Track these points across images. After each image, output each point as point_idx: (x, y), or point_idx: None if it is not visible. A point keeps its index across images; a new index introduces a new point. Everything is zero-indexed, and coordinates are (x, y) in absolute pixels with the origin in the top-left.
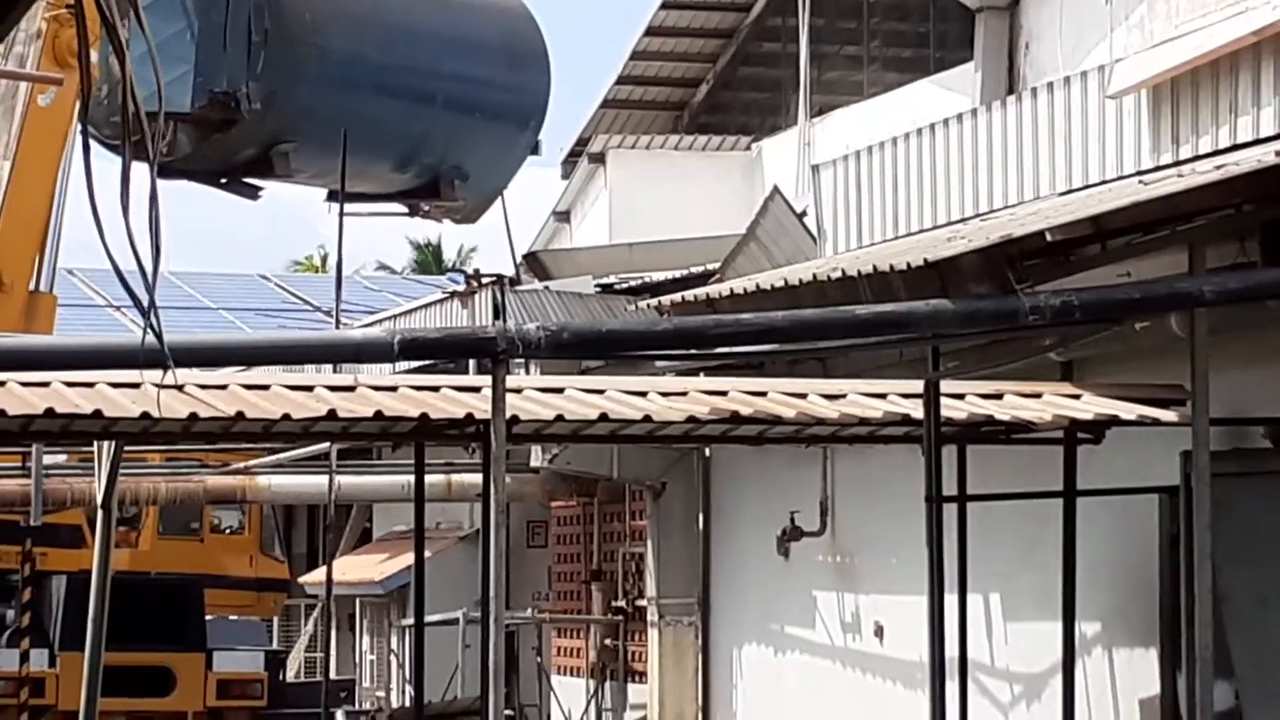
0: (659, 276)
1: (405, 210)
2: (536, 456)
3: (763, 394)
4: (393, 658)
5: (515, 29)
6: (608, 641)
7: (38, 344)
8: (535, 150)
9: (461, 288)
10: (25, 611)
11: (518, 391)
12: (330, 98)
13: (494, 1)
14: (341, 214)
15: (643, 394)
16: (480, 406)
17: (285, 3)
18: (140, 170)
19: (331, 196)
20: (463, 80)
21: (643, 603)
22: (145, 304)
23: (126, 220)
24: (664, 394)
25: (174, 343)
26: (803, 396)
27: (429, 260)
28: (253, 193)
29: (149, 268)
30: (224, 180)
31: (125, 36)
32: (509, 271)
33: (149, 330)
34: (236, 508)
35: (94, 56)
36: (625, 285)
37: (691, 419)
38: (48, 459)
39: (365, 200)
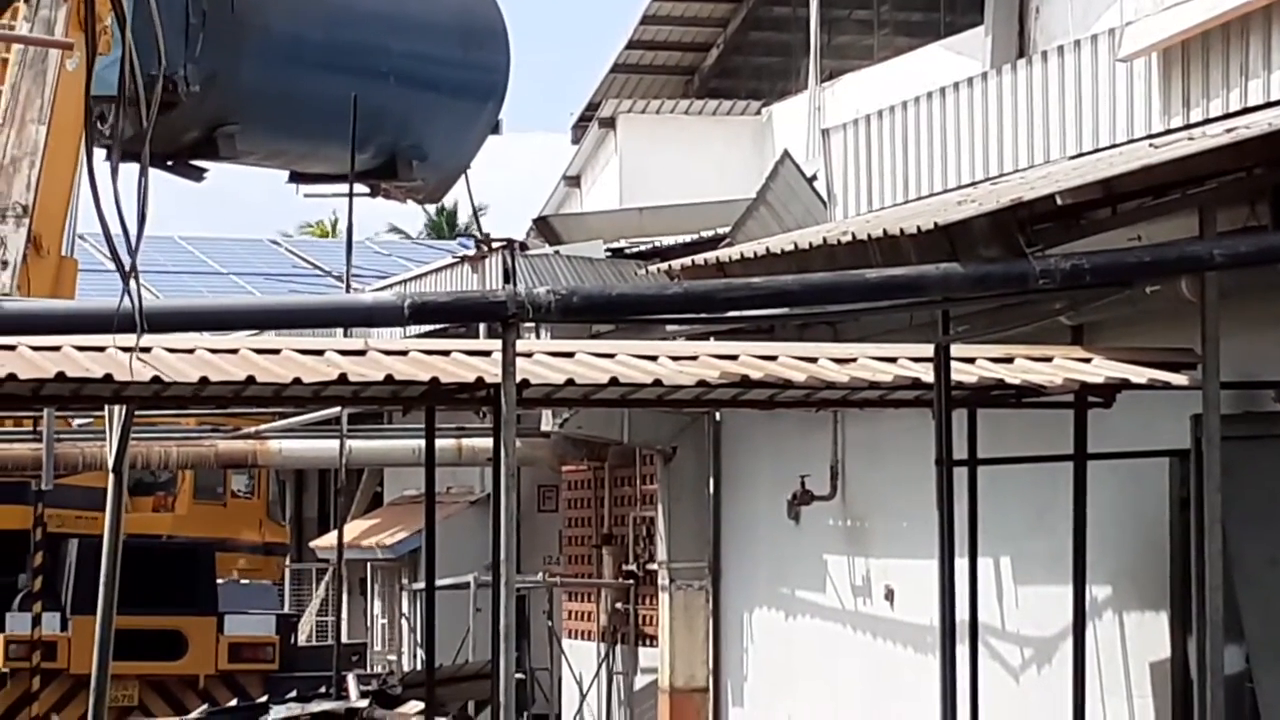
0: (669, 241)
1: (366, 191)
2: (547, 420)
3: (773, 358)
4: (404, 621)
5: (471, 7)
6: (618, 605)
7: (11, 310)
8: (496, 129)
9: (472, 252)
10: (37, 576)
11: (528, 355)
12: (274, 78)
13: None
14: (351, 180)
15: (653, 358)
16: (490, 370)
17: None
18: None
19: (293, 179)
20: (415, 59)
21: (653, 566)
22: (127, 268)
23: (115, 185)
24: (674, 358)
25: (182, 307)
26: (813, 361)
27: (441, 224)
28: (198, 175)
29: (132, 233)
30: (169, 163)
31: (128, 8)
32: (519, 236)
33: (127, 295)
34: (245, 472)
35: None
36: (635, 250)
37: (702, 383)
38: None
39: (326, 181)
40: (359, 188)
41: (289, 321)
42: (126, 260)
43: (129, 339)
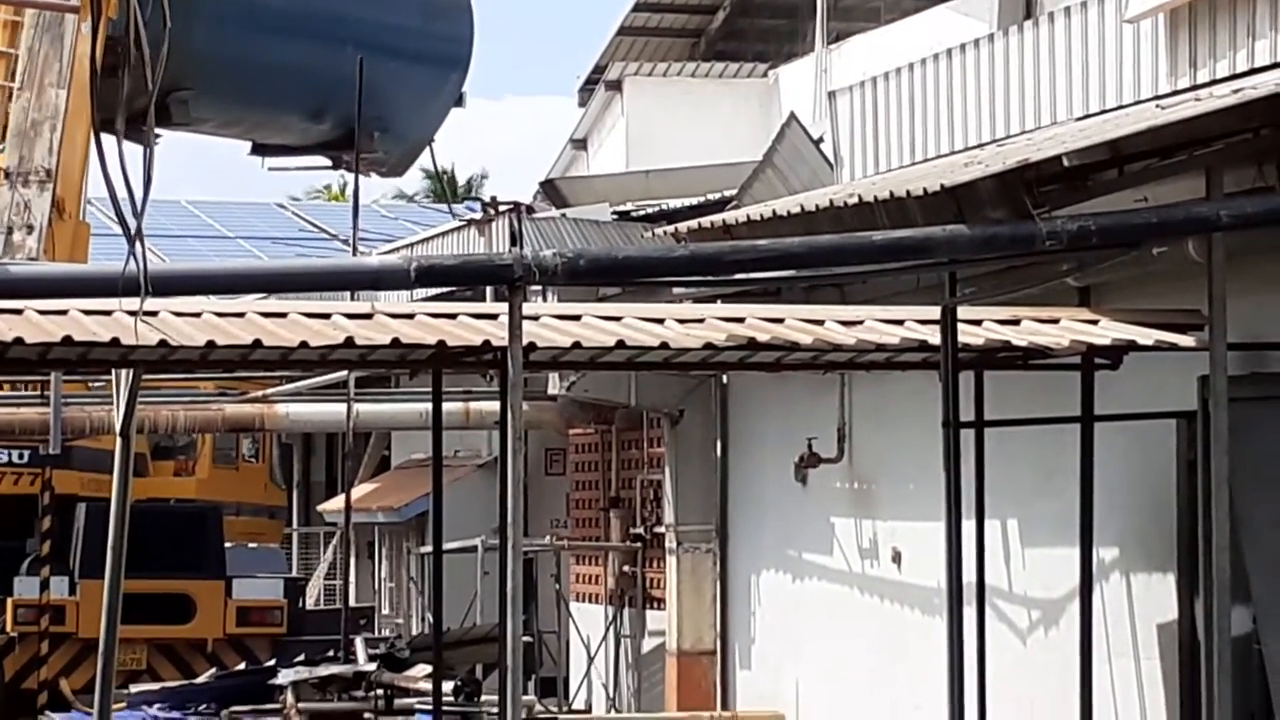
0: (676, 204)
1: (328, 163)
2: (554, 384)
3: (780, 320)
4: (411, 585)
5: None
6: (626, 568)
7: (16, 273)
8: (460, 102)
9: (478, 215)
10: (45, 539)
11: (535, 319)
12: (229, 44)
13: None
14: (358, 147)
15: (660, 321)
16: (497, 334)
17: None
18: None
19: (256, 150)
20: (376, 27)
21: (661, 530)
22: (132, 232)
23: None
24: (681, 321)
25: (189, 271)
26: (820, 323)
27: (444, 189)
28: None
29: (138, 198)
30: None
31: None
32: (526, 199)
33: (133, 259)
34: (250, 436)
35: None
36: (642, 213)
37: (709, 346)
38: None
39: (288, 154)
40: (320, 160)
41: (295, 285)
42: (132, 224)
43: (135, 303)
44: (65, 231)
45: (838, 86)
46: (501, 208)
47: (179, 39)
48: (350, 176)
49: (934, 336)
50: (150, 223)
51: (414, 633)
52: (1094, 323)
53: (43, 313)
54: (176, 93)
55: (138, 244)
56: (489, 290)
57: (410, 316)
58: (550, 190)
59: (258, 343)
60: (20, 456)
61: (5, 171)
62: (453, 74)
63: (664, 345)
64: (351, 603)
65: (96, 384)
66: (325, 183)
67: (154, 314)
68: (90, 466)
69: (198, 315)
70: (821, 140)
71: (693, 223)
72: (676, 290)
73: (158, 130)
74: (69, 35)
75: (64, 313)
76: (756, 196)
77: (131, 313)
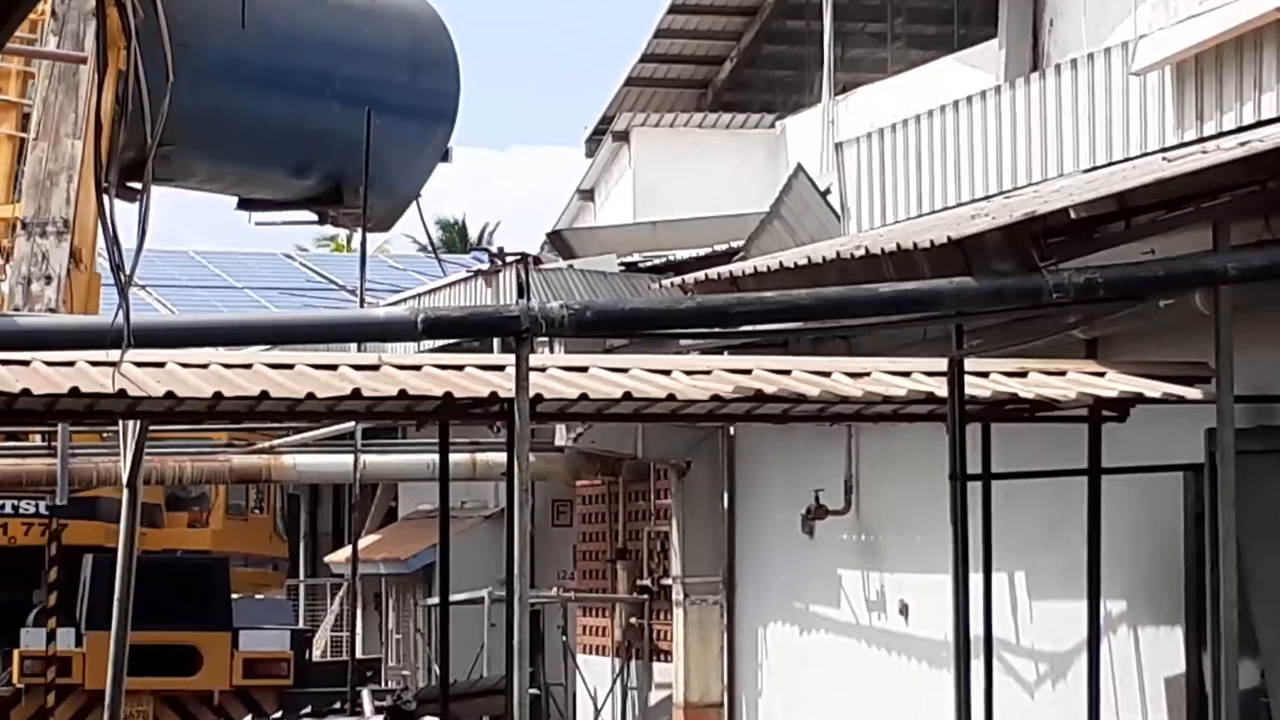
0: (683, 255)
1: (314, 218)
2: (561, 435)
3: (787, 372)
4: (418, 637)
5: (420, 34)
6: (633, 620)
7: (30, 324)
8: (446, 157)
9: (485, 266)
10: (52, 591)
11: (542, 370)
12: (211, 99)
13: (399, 6)
14: (365, 193)
15: (667, 372)
16: (504, 385)
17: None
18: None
19: (242, 205)
20: (360, 83)
21: (668, 581)
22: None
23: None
24: (688, 372)
25: (196, 322)
26: (827, 375)
27: (455, 238)
28: (133, 196)
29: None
30: (104, 185)
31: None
32: (533, 250)
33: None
34: (255, 487)
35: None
36: (649, 264)
37: (716, 397)
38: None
39: (274, 208)
40: (307, 215)
41: (302, 337)
42: (127, 276)
43: (137, 354)
44: (81, 282)
45: (845, 138)
46: (509, 259)
47: (158, 98)
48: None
49: (941, 389)
50: (158, 273)
51: (421, 685)
52: (1101, 375)
53: (50, 364)
54: (159, 148)
55: (125, 294)
56: (496, 341)
57: (417, 368)
58: (557, 241)
59: (265, 394)
60: (41, 507)
61: (22, 222)
62: (439, 128)
63: (671, 397)
64: (358, 654)
65: (110, 434)
66: (333, 233)
67: (161, 365)
68: (114, 517)
69: (205, 366)
70: (829, 191)
71: (700, 274)
72: (684, 341)
73: (141, 186)
74: (84, 86)
75: (71, 364)
76: (764, 248)
77: (112, 364)
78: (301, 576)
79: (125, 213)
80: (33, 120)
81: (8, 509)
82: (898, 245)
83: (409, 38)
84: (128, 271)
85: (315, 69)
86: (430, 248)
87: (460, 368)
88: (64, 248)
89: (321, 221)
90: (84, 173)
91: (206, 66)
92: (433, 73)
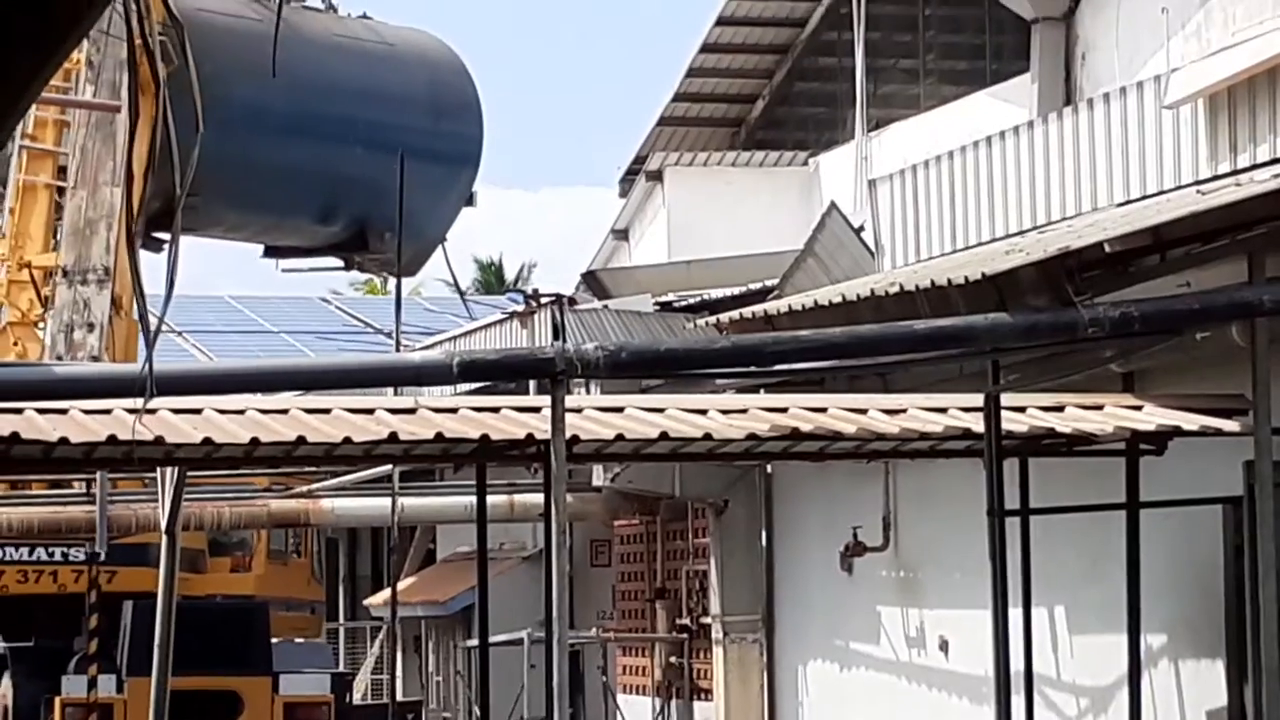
0: (717, 293)
1: (340, 264)
2: (598, 475)
3: (823, 410)
4: (458, 679)
5: (442, 79)
6: (673, 659)
7: (66, 373)
8: (470, 201)
9: (521, 308)
10: (93, 638)
11: (578, 411)
12: (235, 149)
13: (421, 52)
14: (400, 237)
15: (703, 412)
16: (540, 427)
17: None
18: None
19: (268, 252)
20: (384, 129)
21: (707, 620)
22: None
23: (135, 248)
24: (724, 411)
25: (232, 368)
26: (863, 412)
27: (491, 279)
28: (158, 246)
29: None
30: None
31: (165, 72)
32: (569, 291)
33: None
34: (292, 531)
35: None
36: (684, 303)
37: (752, 436)
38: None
39: (299, 254)
40: (333, 260)
41: (338, 382)
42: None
43: (174, 401)
44: (122, 329)
45: (878, 174)
46: (544, 300)
47: (183, 148)
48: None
49: (978, 424)
50: (193, 318)
51: None
52: (1138, 408)
53: (87, 411)
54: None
55: (151, 342)
56: (532, 382)
57: (454, 410)
58: (592, 281)
59: (302, 439)
60: (90, 553)
61: (63, 270)
62: (463, 172)
63: (707, 436)
64: (398, 697)
65: (150, 479)
66: (366, 277)
67: (198, 411)
68: (127, 561)
69: (241, 412)
70: (862, 228)
71: (734, 313)
72: (719, 380)
73: (165, 236)
74: (120, 134)
75: (108, 412)
76: (798, 285)
77: (147, 411)
78: (341, 620)
79: (158, 261)
80: (70, 168)
81: (56, 556)
82: (932, 282)
83: (431, 83)
84: (156, 319)
85: (338, 116)
86: (457, 290)
87: (496, 409)
88: (105, 295)
89: (348, 267)
90: (122, 219)
91: (231, 116)
92: (456, 117)
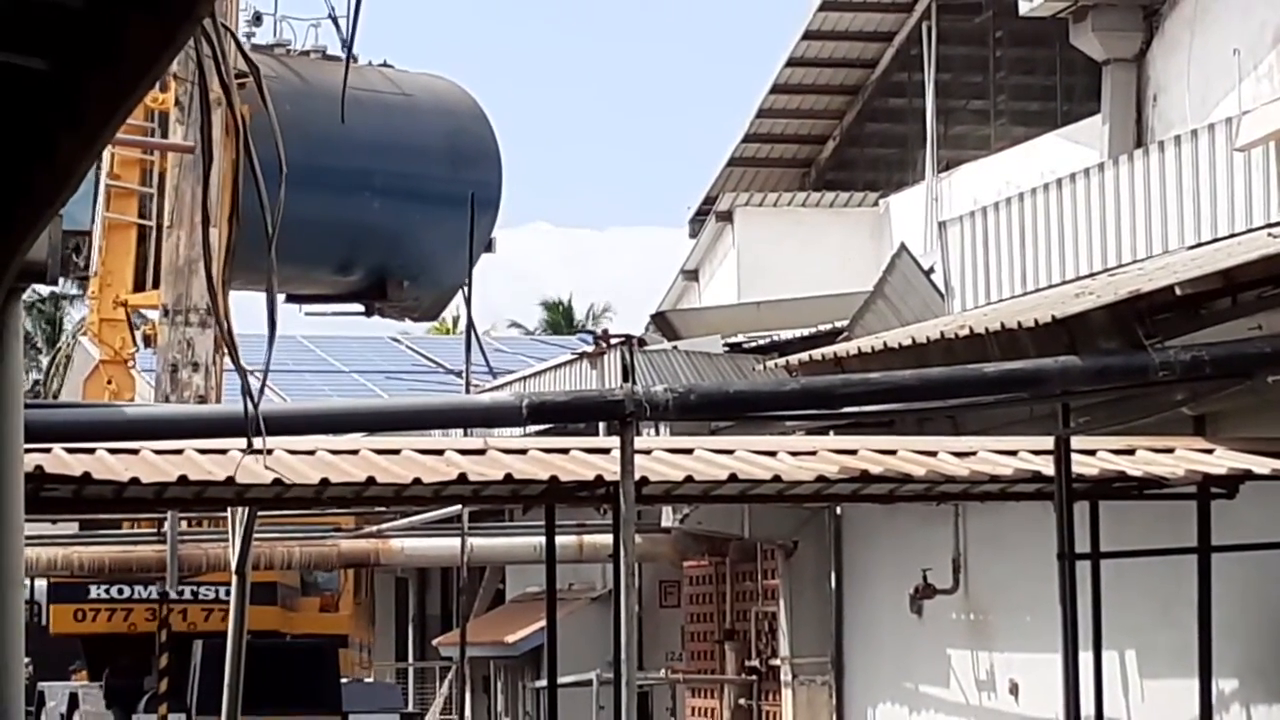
0: (787, 335)
1: (362, 310)
2: (667, 516)
3: (893, 452)
4: None
5: (460, 126)
6: (742, 701)
7: (137, 414)
8: (490, 246)
9: (590, 348)
10: (163, 677)
11: (647, 453)
12: (253, 200)
13: (439, 100)
14: (470, 276)
15: (772, 453)
16: (609, 468)
17: None
18: None
19: (292, 299)
20: (401, 179)
21: (776, 662)
22: (252, 377)
23: (225, 296)
24: (793, 453)
25: (304, 410)
26: (933, 454)
27: (559, 320)
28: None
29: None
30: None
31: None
32: (638, 331)
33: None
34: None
35: None
36: (754, 344)
37: (821, 478)
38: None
39: (321, 301)
40: (355, 306)
41: (408, 423)
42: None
43: (255, 442)
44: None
45: (948, 215)
46: (613, 341)
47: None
48: (461, 310)
49: (1048, 467)
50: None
51: None
52: (1209, 452)
53: (159, 452)
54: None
55: (252, 386)
56: (602, 423)
57: (523, 452)
58: (662, 322)
59: (371, 480)
60: (161, 592)
61: (164, 309)
62: (482, 219)
63: (776, 478)
64: None
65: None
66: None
67: (269, 452)
68: (259, 600)
69: (311, 453)
70: (932, 270)
71: (804, 355)
72: (789, 422)
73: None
74: (214, 175)
75: (179, 452)
76: (868, 327)
77: (251, 451)
78: (410, 660)
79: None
80: (166, 208)
81: (129, 594)
82: (1002, 325)
83: (449, 131)
84: (239, 372)
85: (355, 167)
86: (474, 335)
87: (566, 450)
88: (209, 334)
89: (368, 314)
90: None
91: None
92: (474, 164)
